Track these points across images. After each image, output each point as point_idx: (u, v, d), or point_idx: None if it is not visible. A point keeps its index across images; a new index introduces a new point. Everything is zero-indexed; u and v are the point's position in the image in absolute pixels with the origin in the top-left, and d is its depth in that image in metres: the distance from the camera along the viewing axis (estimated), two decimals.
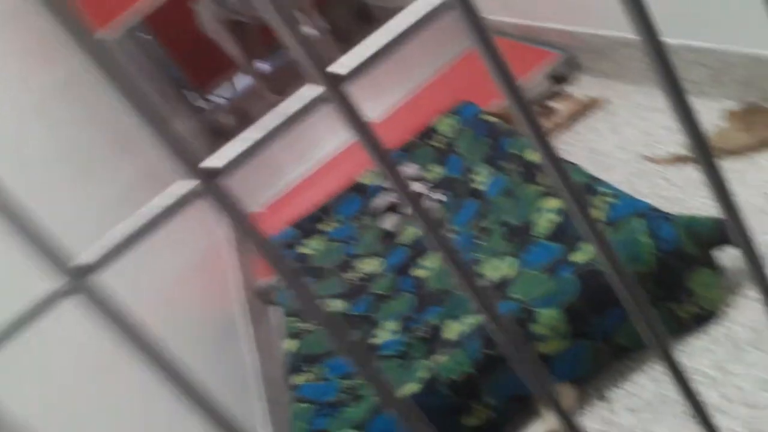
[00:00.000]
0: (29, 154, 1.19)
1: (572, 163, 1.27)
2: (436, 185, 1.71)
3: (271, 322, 1.81)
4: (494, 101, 1.90)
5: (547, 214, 1.28)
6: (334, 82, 0.21)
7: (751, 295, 1.02)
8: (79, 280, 0.21)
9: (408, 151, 1.87)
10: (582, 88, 1.87)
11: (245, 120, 3.46)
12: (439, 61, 2.37)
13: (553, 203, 1.28)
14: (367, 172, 1.88)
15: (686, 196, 1.27)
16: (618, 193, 1.11)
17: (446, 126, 1.80)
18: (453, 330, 1.21)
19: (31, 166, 1.16)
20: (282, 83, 3.59)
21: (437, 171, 1.75)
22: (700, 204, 1.23)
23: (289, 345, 1.39)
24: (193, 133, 3.47)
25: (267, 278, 1.86)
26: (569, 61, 1.91)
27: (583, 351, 1.02)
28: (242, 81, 4.39)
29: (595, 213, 1.13)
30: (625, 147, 1.51)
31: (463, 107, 1.77)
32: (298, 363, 1.30)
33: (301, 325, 1.42)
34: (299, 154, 2.34)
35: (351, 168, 2.07)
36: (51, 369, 0.78)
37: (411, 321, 1.32)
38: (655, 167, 1.39)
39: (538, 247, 1.24)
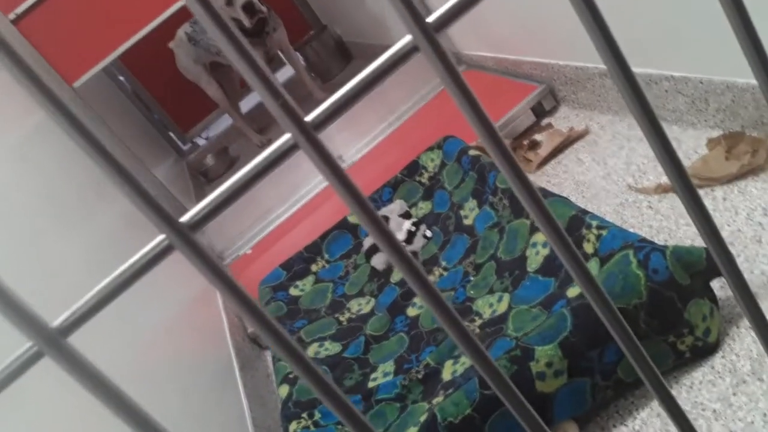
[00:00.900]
0: (8, 199, 1.17)
1: (561, 197, 1.27)
2: (424, 221, 1.71)
3: (266, 366, 1.78)
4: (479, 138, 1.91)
5: (537, 248, 1.28)
6: (306, 131, 0.20)
7: (748, 325, 1.02)
8: (54, 342, 0.20)
9: (394, 187, 1.87)
10: (563, 119, 1.89)
11: (227, 160, 3.47)
12: (421, 95, 2.39)
13: (543, 236, 1.28)
14: None
15: (674, 225, 1.28)
16: (607, 225, 1.11)
17: (431, 161, 1.81)
18: (449, 370, 1.19)
19: (10, 211, 1.15)
20: (264, 120, 3.61)
21: (424, 207, 1.75)
22: (690, 233, 1.23)
23: (282, 391, 1.36)
24: (178, 176, 3.46)
25: None
26: (549, 93, 1.94)
27: (582, 387, 1.00)
28: (224, 121, 4.42)
29: (586, 246, 1.13)
30: (611, 177, 1.52)
31: (446, 142, 1.78)
32: (292, 410, 1.28)
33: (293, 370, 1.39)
34: (286, 194, 2.34)
35: (339, 205, 2.07)
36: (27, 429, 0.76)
37: (406, 362, 1.30)
38: (641, 197, 1.40)
39: (531, 282, 1.24)
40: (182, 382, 1.32)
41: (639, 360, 0.34)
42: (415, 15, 0.20)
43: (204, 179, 3.49)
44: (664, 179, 1.39)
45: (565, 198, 1.27)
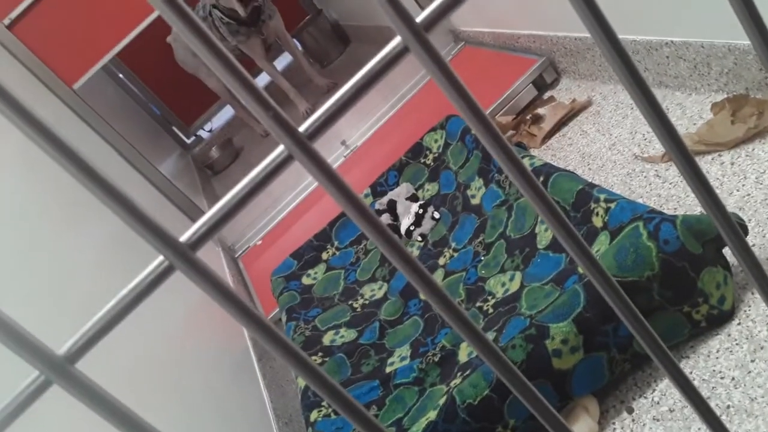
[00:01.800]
0: (17, 204, 1.18)
1: (567, 171, 1.26)
2: (432, 203, 1.70)
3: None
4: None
5: (545, 224, 1.27)
6: (300, 142, 0.20)
7: None
8: (62, 370, 0.20)
9: (400, 170, 1.86)
10: (565, 91, 1.88)
11: (232, 152, 3.46)
12: (423, 74, 2.37)
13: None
14: (364, 196, 1.88)
15: (683, 192, 1.27)
16: (616, 198, 1.11)
17: (434, 142, 1.80)
18: (465, 351, 1.20)
19: (22, 212, 1.15)
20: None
21: (431, 188, 1.74)
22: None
23: (301, 380, 1.37)
24: (184, 170, 3.46)
25: (272, 313, 1.85)
26: (549, 66, 1.92)
27: (599, 362, 1.00)
28: (226, 112, 4.41)
29: (595, 220, 1.12)
30: (616, 147, 1.51)
31: (449, 121, 1.77)
32: (311, 398, 1.28)
33: (311, 359, 1.40)
34: (292, 183, 2.34)
35: None
36: None
37: (422, 345, 1.31)
38: (648, 166, 1.39)
39: (542, 259, 1.23)
40: (203, 375, 1.34)
41: (646, 337, 0.34)
42: (403, 16, 0.20)
43: (210, 172, 3.49)
44: None
45: (572, 172, 1.26)
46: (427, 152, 1.82)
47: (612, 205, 1.09)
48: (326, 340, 1.48)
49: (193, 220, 2.33)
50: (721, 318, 1.00)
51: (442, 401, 1.02)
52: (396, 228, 1.72)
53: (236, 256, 2.30)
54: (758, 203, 1.12)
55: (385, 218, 1.73)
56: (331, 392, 0.23)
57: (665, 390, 0.99)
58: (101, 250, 1.38)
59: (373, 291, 1.59)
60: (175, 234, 0.21)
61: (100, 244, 1.40)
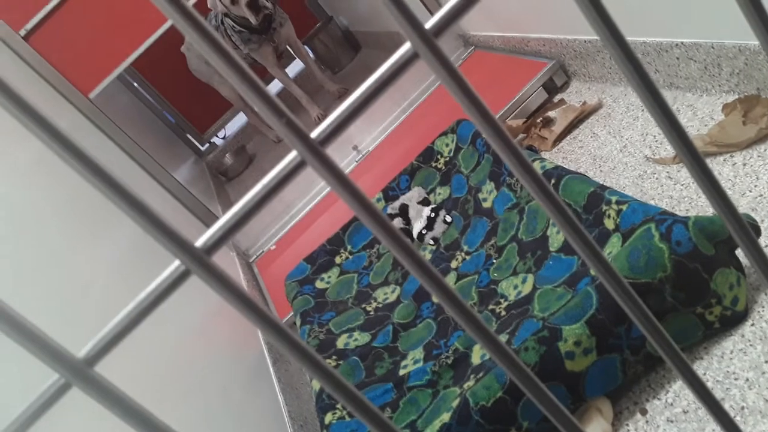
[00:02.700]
0: (32, 217, 1.20)
1: (578, 173, 1.26)
2: (443, 207, 1.71)
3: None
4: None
5: (557, 227, 1.27)
6: (313, 148, 0.21)
7: None
8: (82, 373, 0.21)
9: (411, 175, 1.87)
10: (575, 94, 1.88)
11: (246, 158, 3.49)
12: (434, 79, 2.38)
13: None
14: (376, 200, 1.89)
15: (695, 194, 1.26)
16: (627, 199, 1.11)
17: (445, 146, 1.81)
18: (478, 354, 1.20)
19: (34, 229, 1.17)
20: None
21: (443, 192, 1.75)
22: None
23: (316, 383, 1.38)
24: (199, 177, 3.49)
25: (286, 317, 1.86)
26: (560, 69, 1.92)
27: (612, 364, 1.00)
28: (239, 119, 4.44)
29: (607, 222, 1.12)
30: (627, 149, 1.51)
31: (460, 125, 1.77)
32: (326, 401, 1.29)
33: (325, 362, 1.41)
34: (305, 188, 2.36)
35: None
36: None
37: (435, 348, 1.31)
38: (659, 168, 1.38)
39: (554, 261, 1.23)
40: (219, 379, 1.35)
41: (656, 336, 0.34)
42: (413, 22, 0.20)
43: (224, 178, 3.52)
44: None
45: (583, 174, 1.26)
46: (439, 156, 1.82)
47: (624, 207, 1.09)
48: (340, 343, 1.48)
49: (208, 226, 2.35)
50: (735, 319, 1.00)
51: (455, 403, 1.02)
52: (408, 232, 1.72)
53: (251, 260, 2.32)
54: None
55: (397, 222, 1.74)
56: (346, 394, 0.24)
57: (679, 391, 0.99)
58: (116, 262, 1.40)
59: (386, 294, 1.60)
60: (191, 239, 0.22)
61: (115, 255, 1.42)
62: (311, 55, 3.59)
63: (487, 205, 1.52)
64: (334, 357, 1.43)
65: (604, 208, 1.13)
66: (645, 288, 0.98)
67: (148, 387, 1.06)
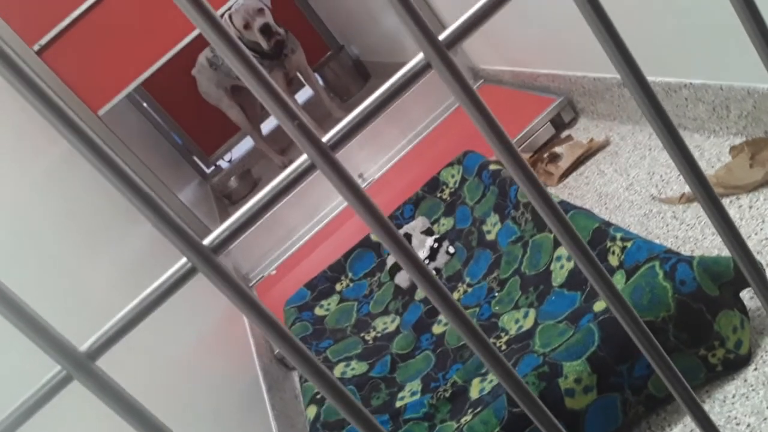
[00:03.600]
0: (37, 228, 1.20)
1: (584, 209, 1.26)
2: (447, 237, 1.70)
3: (294, 387, 1.78)
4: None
5: (561, 261, 1.27)
6: (323, 151, 0.20)
7: None
8: (83, 366, 0.21)
9: (416, 204, 1.87)
10: (583, 131, 1.88)
11: (250, 182, 3.50)
12: (440, 110, 2.40)
13: (566, 250, 1.26)
14: None
15: (700, 234, 1.26)
16: (632, 237, 1.10)
17: (451, 177, 1.81)
18: (477, 388, 1.18)
19: (40, 240, 1.17)
20: (285, 141, 3.65)
21: (446, 223, 1.75)
22: (717, 242, 1.21)
23: (310, 412, 1.36)
24: (203, 199, 3.50)
25: None
26: (568, 105, 1.93)
27: (612, 403, 0.98)
28: (246, 143, 4.47)
29: (611, 259, 1.12)
30: (634, 188, 1.51)
31: (466, 157, 1.78)
32: (320, 431, 1.27)
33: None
34: (308, 214, 2.36)
35: (361, 224, 2.07)
36: None
37: (433, 380, 1.30)
38: (665, 207, 1.38)
39: (556, 297, 1.23)
40: (212, 403, 1.33)
41: (668, 374, 0.34)
42: (426, 33, 0.20)
43: (228, 201, 3.52)
44: (688, 189, 1.37)
45: (588, 210, 1.26)
46: (444, 187, 1.82)
47: (628, 244, 1.09)
48: (337, 371, 1.47)
49: None
50: (738, 363, 0.99)
51: None
52: None
53: (251, 284, 2.31)
54: None
55: None
56: (345, 404, 0.23)
57: None
58: (118, 274, 1.39)
59: (386, 324, 1.59)
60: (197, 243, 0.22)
61: (117, 269, 1.42)
62: (321, 82, 3.62)
63: (490, 237, 1.52)
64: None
65: (609, 244, 1.13)
66: (648, 327, 0.97)
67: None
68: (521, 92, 2.14)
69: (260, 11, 2.75)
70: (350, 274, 1.85)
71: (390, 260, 1.75)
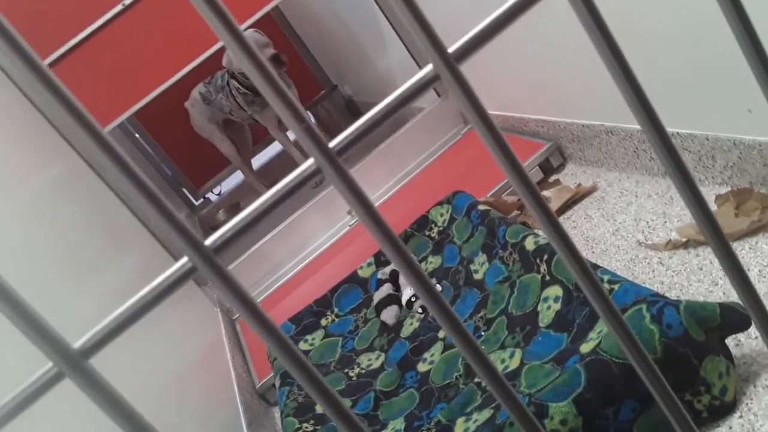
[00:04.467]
0: (28, 250, 1.18)
1: None
2: (434, 276, 1.70)
3: (275, 423, 1.75)
4: (488, 192, 1.93)
5: (548, 302, 1.27)
6: (329, 156, 0.21)
7: (765, 383, 1.00)
8: (76, 364, 0.20)
9: (404, 241, 1.87)
10: (570, 176, 1.91)
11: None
12: (431, 150, 2.42)
13: (553, 291, 1.27)
14: (366, 265, 1.88)
15: (685, 281, 1.27)
16: (619, 280, 1.11)
17: (440, 216, 1.82)
18: (461, 428, 1.17)
19: (30, 262, 1.15)
20: (274, 176, 3.66)
21: (434, 261, 1.75)
22: (702, 289, 1.22)
23: None
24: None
25: (266, 377, 1.82)
26: (556, 150, 1.96)
27: None
28: (236, 177, 4.48)
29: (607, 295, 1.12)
30: (620, 233, 1.52)
31: (456, 196, 1.79)
32: None
33: (302, 426, 1.37)
34: (296, 248, 2.35)
35: (348, 260, 2.07)
36: None
37: (417, 419, 1.28)
38: (651, 253, 1.39)
39: (543, 337, 1.22)
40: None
41: (671, 407, 0.34)
42: (436, 44, 0.21)
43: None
44: (674, 235, 1.38)
45: None
46: (433, 225, 1.83)
47: (615, 287, 1.09)
48: (319, 408, 1.44)
49: (193, 277, 2.32)
50: (723, 409, 0.98)
51: None
52: (397, 298, 1.71)
53: (234, 317, 2.28)
54: (762, 296, 1.12)
55: (387, 288, 1.73)
56: (343, 418, 0.23)
57: None
58: (103, 303, 1.37)
59: (370, 360, 1.57)
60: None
61: (103, 296, 1.40)
62: (313, 120, 3.65)
63: (478, 276, 1.52)
64: (311, 422, 1.39)
65: None
66: (634, 370, 0.97)
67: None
68: (511, 136, 2.17)
69: (267, 44, 2.82)
70: (336, 310, 1.83)
71: (377, 297, 1.74)
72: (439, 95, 2.46)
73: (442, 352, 1.41)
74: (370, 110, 0.23)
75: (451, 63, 0.21)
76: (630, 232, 1.50)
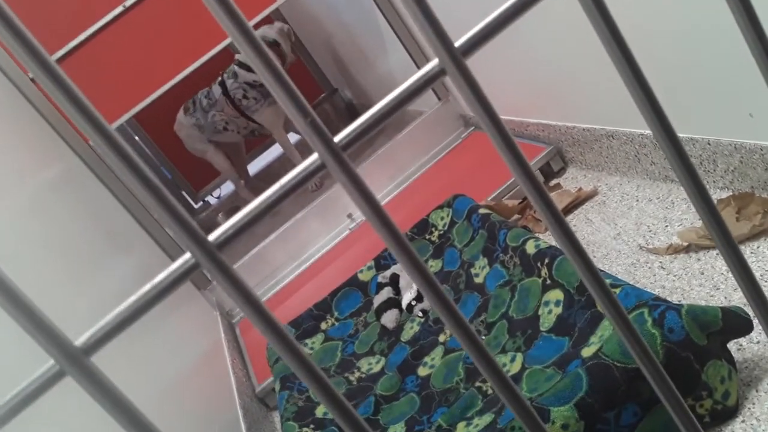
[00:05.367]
0: (25, 252, 1.18)
1: None
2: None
3: (274, 428, 1.74)
4: (488, 196, 1.92)
5: (549, 306, 1.26)
6: (333, 150, 0.20)
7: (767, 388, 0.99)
8: (77, 361, 0.20)
9: None
10: (571, 180, 1.90)
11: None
12: (431, 154, 2.42)
13: (554, 295, 1.26)
14: (367, 268, 1.87)
15: (687, 285, 1.26)
16: (621, 283, 1.10)
17: (440, 219, 1.81)
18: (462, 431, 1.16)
19: (26, 264, 1.15)
20: (264, 185, 3.66)
21: (435, 265, 1.74)
22: (703, 294, 1.22)
23: None
24: None
25: (265, 381, 1.81)
26: (557, 154, 1.96)
27: None
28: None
29: (599, 305, 1.12)
30: (621, 237, 1.52)
31: (456, 200, 1.78)
32: None
33: (302, 431, 1.36)
34: (295, 252, 2.34)
35: (348, 263, 2.06)
36: None
37: (417, 423, 1.27)
38: (652, 257, 1.39)
39: (544, 342, 1.22)
40: None
41: (678, 410, 0.33)
42: (443, 38, 0.21)
43: None
44: (675, 240, 1.38)
45: None
46: (433, 229, 1.83)
47: (617, 291, 1.09)
48: (319, 412, 1.44)
49: (192, 280, 2.32)
50: (725, 414, 0.98)
51: None
52: (398, 302, 1.71)
53: (234, 321, 2.27)
54: None
55: (387, 292, 1.72)
56: (344, 415, 0.23)
57: None
58: (100, 305, 1.37)
59: (371, 365, 1.56)
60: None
61: (99, 298, 1.39)
62: None
63: (478, 280, 1.51)
64: (311, 426, 1.39)
65: None
66: (636, 374, 0.96)
67: None
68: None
69: (287, 34, 2.88)
70: (336, 313, 1.83)
71: (377, 300, 1.73)
72: (439, 99, 2.46)
73: (443, 356, 1.41)
74: (384, 97, 0.23)
75: (458, 57, 0.21)
76: (631, 236, 1.50)
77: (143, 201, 2.11)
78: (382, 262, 1.87)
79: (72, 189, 1.81)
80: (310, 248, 2.35)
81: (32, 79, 2.03)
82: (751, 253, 1.23)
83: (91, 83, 2.12)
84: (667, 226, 1.45)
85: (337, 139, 0.21)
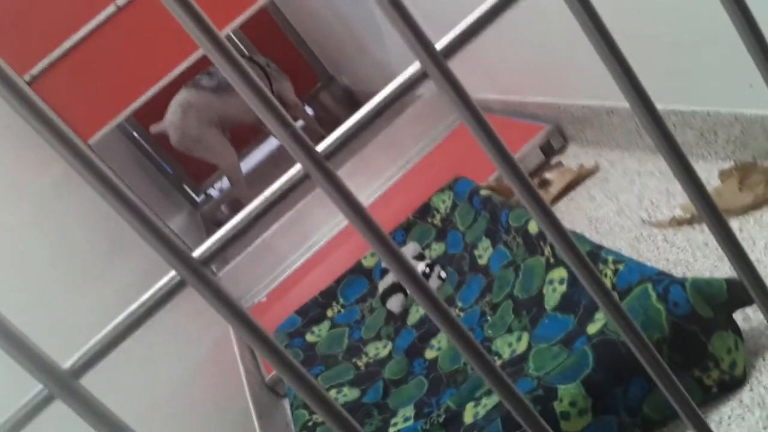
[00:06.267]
0: (27, 258, 1.18)
1: (576, 233, 1.26)
2: (438, 263, 1.70)
3: (285, 415, 1.75)
4: (490, 177, 1.92)
5: (554, 285, 1.26)
6: (317, 160, 0.20)
7: None
8: (66, 385, 0.20)
9: (407, 230, 1.87)
10: (572, 157, 1.90)
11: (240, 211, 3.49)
12: (431, 137, 2.41)
13: (558, 273, 1.26)
14: (371, 255, 1.88)
15: (691, 257, 1.26)
16: (624, 259, 1.10)
17: (442, 202, 1.81)
18: (470, 413, 1.17)
19: (29, 270, 1.15)
20: (260, 181, 3.64)
21: (438, 248, 1.74)
22: (708, 265, 1.22)
23: None
24: (193, 227, 3.48)
25: (273, 370, 1.82)
26: (557, 132, 1.95)
27: (608, 426, 0.97)
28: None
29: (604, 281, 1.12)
30: (624, 212, 1.51)
31: (457, 182, 1.78)
32: None
33: (312, 418, 1.37)
34: (299, 240, 2.35)
35: (352, 249, 2.06)
36: None
37: (426, 406, 1.28)
38: (656, 231, 1.39)
39: (550, 320, 1.22)
40: (201, 430, 1.31)
41: (672, 390, 0.33)
42: (423, 42, 0.20)
43: (217, 229, 3.51)
44: (678, 212, 1.38)
45: (580, 234, 1.26)
46: (435, 212, 1.82)
47: (620, 267, 1.09)
48: None
49: None
50: (733, 384, 0.98)
51: None
52: (401, 287, 1.71)
53: None
54: (767, 269, 1.11)
55: (392, 276, 1.73)
56: (337, 419, 0.23)
57: None
58: (105, 306, 1.37)
59: (378, 349, 1.57)
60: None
61: (105, 299, 1.40)
62: (311, 113, 3.64)
63: (482, 262, 1.51)
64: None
65: (601, 267, 1.13)
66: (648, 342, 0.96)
67: None
68: (510, 120, 2.15)
69: None
70: (342, 300, 1.83)
71: (382, 285, 1.74)
72: None
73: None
74: (367, 103, 0.23)
75: (440, 60, 0.21)
76: (634, 211, 1.49)
77: (126, 219, 2.11)
78: None
79: (74, 192, 1.81)
80: (314, 236, 2.36)
81: (28, 83, 2.03)
82: (755, 222, 1.23)
83: (91, 83, 2.11)
84: (669, 199, 1.44)
85: (320, 149, 0.21)
